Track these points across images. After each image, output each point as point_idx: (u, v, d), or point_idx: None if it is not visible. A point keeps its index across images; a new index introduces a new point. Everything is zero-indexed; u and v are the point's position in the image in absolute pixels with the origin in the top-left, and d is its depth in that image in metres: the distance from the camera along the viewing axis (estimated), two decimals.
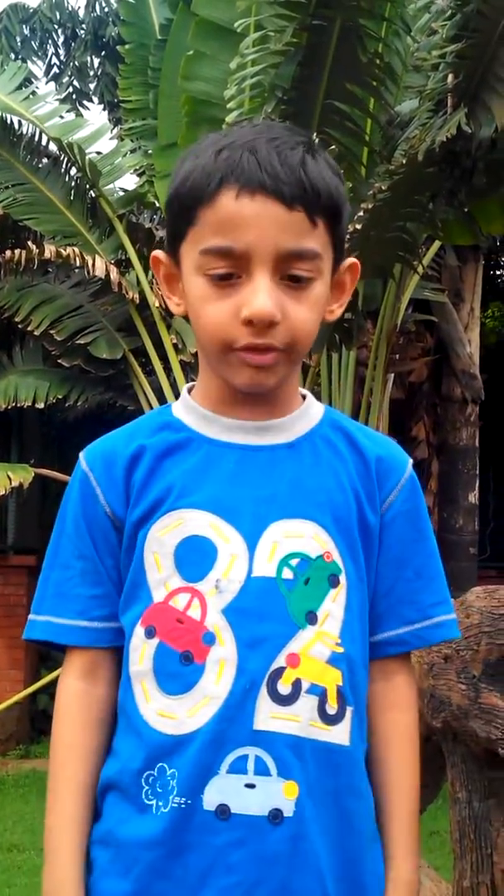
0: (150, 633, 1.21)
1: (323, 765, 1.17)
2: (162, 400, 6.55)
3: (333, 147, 4.63)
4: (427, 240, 6.03)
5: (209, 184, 1.19)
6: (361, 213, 4.68)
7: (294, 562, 1.20)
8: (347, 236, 1.32)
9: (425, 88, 4.82)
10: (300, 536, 1.22)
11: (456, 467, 7.65)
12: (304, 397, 1.34)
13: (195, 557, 1.21)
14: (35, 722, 7.82)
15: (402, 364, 7.02)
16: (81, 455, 1.32)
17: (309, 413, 1.31)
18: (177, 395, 5.18)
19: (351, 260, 1.32)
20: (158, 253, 1.31)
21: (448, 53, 4.46)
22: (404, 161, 4.73)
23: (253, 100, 4.86)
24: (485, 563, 8.40)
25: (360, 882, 1.20)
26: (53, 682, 7.35)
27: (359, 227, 4.66)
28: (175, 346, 6.84)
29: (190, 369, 6.82)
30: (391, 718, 1.29)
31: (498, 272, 9.30)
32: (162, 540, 1.23)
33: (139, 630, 1.22)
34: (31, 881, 4.37)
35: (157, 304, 6.87)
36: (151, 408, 6.68)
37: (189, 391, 1.34)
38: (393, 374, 6.77)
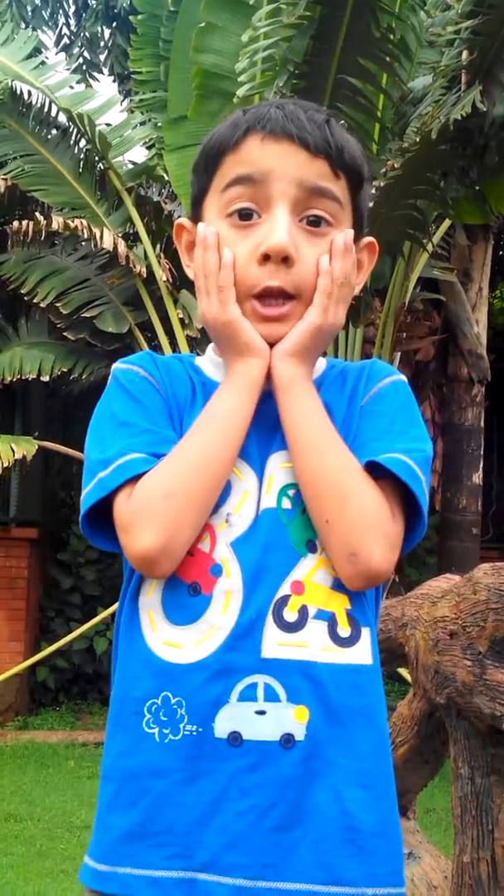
0: None
1: (346, 686, 1.18)
2: None
3: (343, 122, 4.61)
4: (437, 218, 6.00)
5: (235, 133, 1.23)
6: (373, 191, 4.66)
7: (291, 492, 1.22)
8: None
9: (439, 65, 4.79)
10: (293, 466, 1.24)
11: (461, 447, 7.64)
12: None
13: None
14: (34, 694, 7.87)
15: (409, 343, 7.00)
16: (118, 363, 1.29)
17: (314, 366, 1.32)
18: None
19: (369, 238, 1.33)
20: (183, 220, 1.33)
21: (463, 29, 4.43)
22: (417, 138, 4.71)
23: (264, 73, 4.82)
24: (487, 543, 8.41)
25: (385, 792, 1.20)
26: (53, 655, 7.38)
27: (370, 204, 4.64)
28: (181, 320, 6.83)
29: (196, 344, 6.81)
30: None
31: None
32: None
33: None
34: (28, 850, 4.41)
35: (164, 279, 6.84)
36: None
37: (212, 345, 1.35)
38: (400, 353, 6.75)
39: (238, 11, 5.40)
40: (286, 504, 1.22)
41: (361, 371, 1.32)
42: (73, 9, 13.39)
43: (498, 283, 8.54)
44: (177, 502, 1.17)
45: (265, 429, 1.24)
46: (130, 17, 7.99)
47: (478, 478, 7.69)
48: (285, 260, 1.20)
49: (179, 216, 7.34)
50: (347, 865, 1.15)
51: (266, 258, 1.20)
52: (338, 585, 1.20)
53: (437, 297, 7.48)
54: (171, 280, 6.93)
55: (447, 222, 6.42)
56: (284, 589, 1.18)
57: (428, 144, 4.61)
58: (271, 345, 1.25)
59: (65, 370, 7.28)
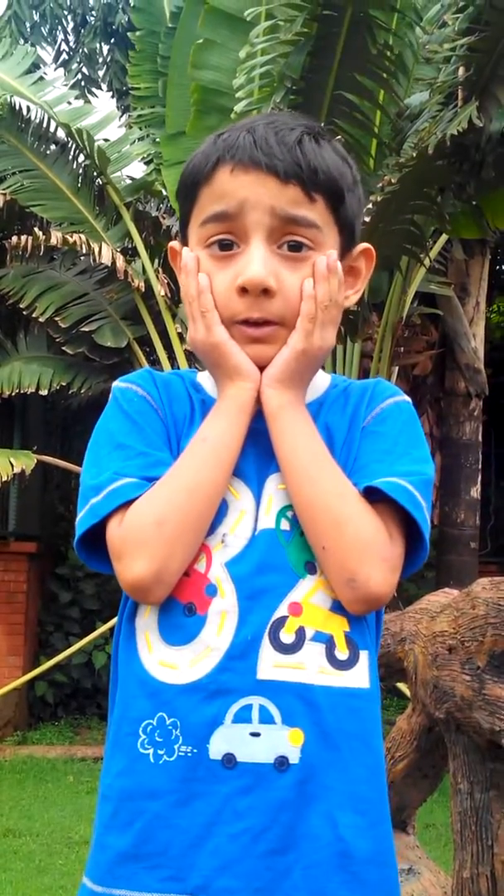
0: None
1: (342, 710, 1.18)
2: None
3: (340, 137, 4.63)
4: (434, 233, 6.02)
5: (207, 164, 1.22)
6: (370, 206, 4.68)
7: (290, 513, 1.22)
8: None
9: (436, 81, 4.81)
10: None
11: (458, 461, 7.65)
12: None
13: None
14: (33, 708, 7.85)
15: (407, 357, 7.02)
16: (118, 382, 1.29)
17: (315, 385, 1.31)
18: None
19: (364, 245, 1.32)
20: (174, 243, 1.33)
21: (459, 46, 4.46)
22: (414, 154, 4.72)
23: (262, 89, 4.85)
24: (485, 558, 8.41)
25: (380, 818, 1.20)
26: (52, 670, 7.35)
27: (367, 219, 4.66)
28: (180, 335, 6.84)
29: (194, 359, 6.82)
30: None
31: None
32: None
33: None
34: (27, 866, 4.39)
35: (162, 293, 6.86)
36: None
37: None
38: (397, 367, 6.77)
39: (236, 28, 5.43)
40: (285, 525, 1.21)
41: (364, 390, 1.31)
42: (71, 25, 13.45)
43: (495, 298, 8.56)
44: (169, 529, 1.16)
45: (263, 448, 1.24)
46: (129, 34, 8.04)
47: (476, 492, 7.69)
48: (265, 292, 1.19)
49: (177, 231, 7.36)
50: (340, 892, 1.14)
51: (245, 290, 1.19)
52: (337, 607, 1.20)
53: (434, 311, 7.50)
54: (169, 295, 6.94)
55: (444, 237, 6.45)
56: (282, 610, 1.18)
57: (425, 160, 4.63)
58: (260, 368, 1.24)
59: (63, 384, 7.29)
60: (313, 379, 1.31)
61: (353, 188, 1.27)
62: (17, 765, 6.43)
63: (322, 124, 1.33)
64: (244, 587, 1.18)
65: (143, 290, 6.91)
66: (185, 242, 1.29)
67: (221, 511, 1.21)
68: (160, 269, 7.16)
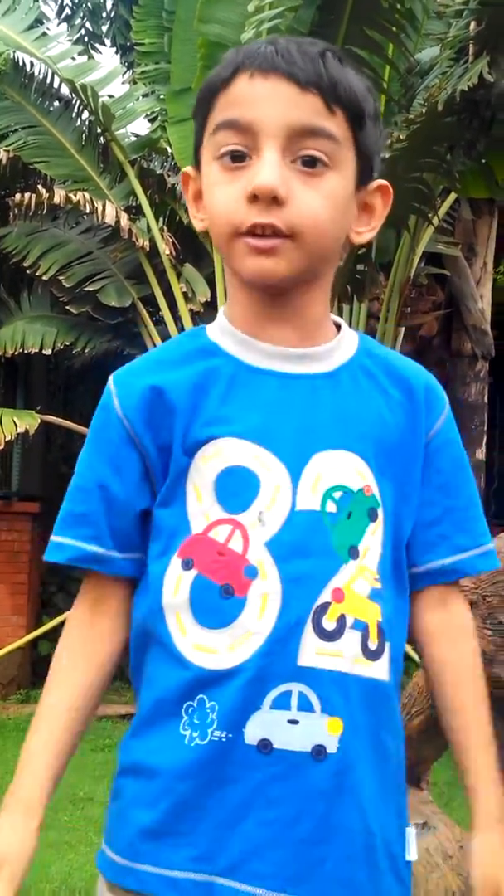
0: (187, 565, 1.18)
1: (365, 701, 1.16)
2: None
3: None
4: (442, 192, 5.95)
5: (226, 72, 1.18)
6: (387, 141, 4.61)
7: (337, 495, 1.17)
8: None
9: (446, 36, 4.74)
10: (343, 468, 1.19)
11: (464, 423, 7.61)
12: (338, 327, 1.30)
13: (237, 488, 1.17)
14: (36, 667, 7.87)
15: (414, 318, 6.98)
16: (111, 380, 1.28)
17: (345, 342, 1.28)
18: None
19: (379, 181, 1.27)
20: (188, 168, 1.29)
21: (471, 0, 4.38)
22: (423, 110, 4.66)
23: None
24: (491, 519, 8.39)
25: (397, 822, 1.19)
26: (55, 629, 7.37)
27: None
28: (185, 294, 6.79)
29: (199, 318, 6.77)
30: (460, 649, 1.28)
31: None
32: (202, 470, 1.19)
33: (176, 561, 1.19)
34: None
35: (167, 252, 6.80)
36: None
37: (225, 313, 1.29)
38: (404, 328, 6.72)
39: None
40: (330, 507, 1.17)
41: (416, 381, 1.29)
42: None
43: (503, 259, 8.49)
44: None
45: (307, 421, 1.19)
46: None
47: (481, 454, 7.67)
48: (275, 200, 1.13)
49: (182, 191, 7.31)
50: (372, 887, 1.13)
51: (255, 198, 1.14)
52: (375, 595, 1.18)
53: (441, 272, 7.44)
54: (174, 254, 6.88)
55: (452, 196, 6.38)
56: (325, 596, 1.14)
57: (434, 116, 4.56)
58: (263, 282, 1.19)
59: (67, 344, 7.23)
60: (341, 334, 1.28)
61: (374, 117, 1.22)
62: (21, 722, 6.46)
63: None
64: (287, 570, 1.14)
65: (148, 249, 6.84)
66: (197, 165, 1.24)
67: (253, 486, 1.16)
68: (165, 228, 7.10)
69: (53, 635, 8.04)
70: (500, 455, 9.33)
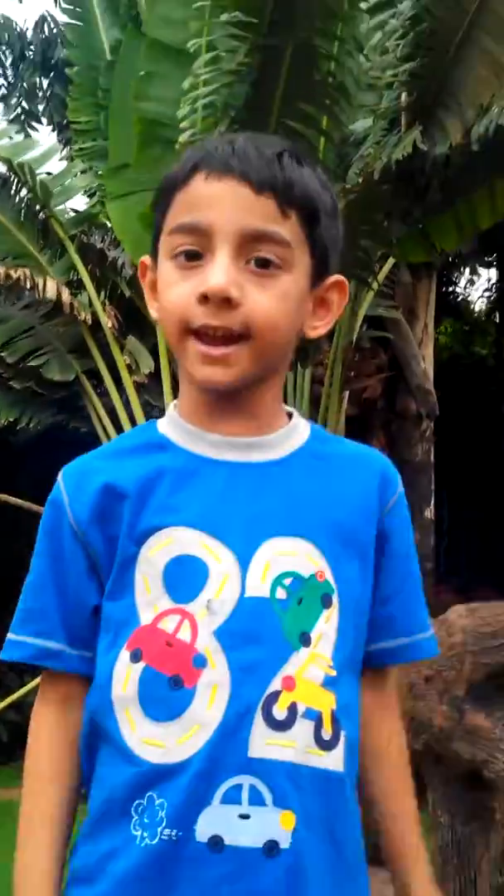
0: (135, 657, 1.16)
1: (318, 792, 1.13)
2: (115, 421, 6.49)
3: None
4: (381, 256, 6.04)
5: (183, 170, 1.20)
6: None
7: (287, 581, 1.16)
8: None
9: (379, 107, 4.84)
10: (293, 555, 1.18)
11: (411, 483, 7.65)
12: (290, 415, 1.30)
13: (185, 577, 1.16)
14: None
15: (357, 381, 7.02)
16: (60, 475, 1.27)
17: (297, 430, 1.28)
18: (130, 416, 5.10)
19: (336, 277, 1.28)
20: (145, 258, 1.29)
21: (401, 72, 4.49)
22: (360, 180, 4.74)
23: (206, 119, 4.83)
24: (441, 577, 8.42)
25: None
26: (6, 709, 7.12)
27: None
28: (129, 366, 6.77)
29: (143, 390, 6.76)
30: (386, 730, 1.27)
31: (451, 289, 9.36)
32: (151, 560, 1.18)
33: (125, 654, 1.17)
34: None
35: (109, 325, 6.80)
36: (105, 429, 6.62)
37: (176, 406, 1.30)
38: (348, 392, 6.76)
39: (178, 60, 5.40)
40: (280, 594, 1.15)
41: (370, 461, 1.30)
42: (10, 59, 13.41)
43: (442, 319, 8.63)
44: None
45: (256, 509, 1.18)
46: (66, 70, 8.01)
47: (430, 513, 7.71)
48: (227, 301, 1.14)
49: (123, 263, 7.31)
50: None
51: (205, 299, 1.15)
52: (329, 682, 1.15)
53: (383, 335, 7.53)
54: (116, 327, 6.89)
55: (391, 260, 6.47)
56: (276, 684, 1.12)
57: (370, 185, 4.64)
58: (214, 388, 1.19)
59: (11, 420, 7.19)
60: (293, 423, 1.28)
61: (331, 214, 1.23)
62: None
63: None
64: (237, 658, 1.12)
65: (90, 322, 6.84)
66: (154, 255, 1.25)
67: (201, 573, 1.15)
68: (107, 301, 7.11)
69: (5, 716, 7.85)
70: (447, 513, 9.38)
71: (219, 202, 1.16)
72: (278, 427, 1.26)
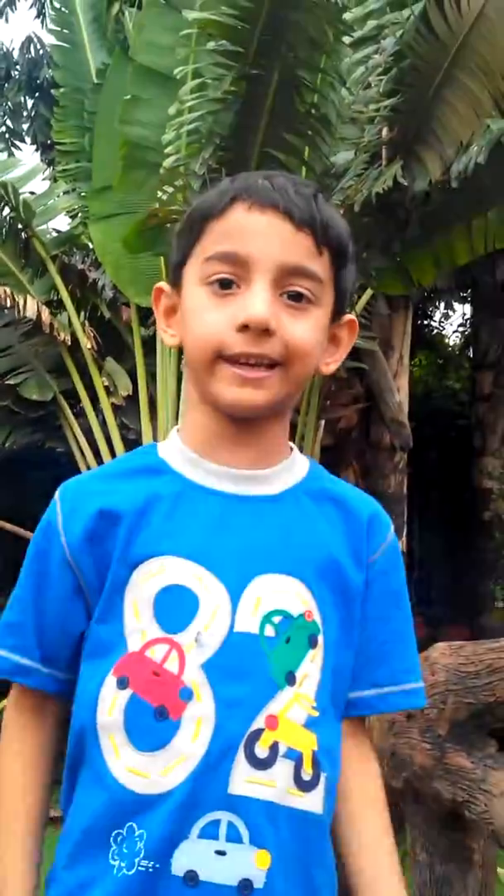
0: (122, 684, 1.16)
1: (295, 833, 1.12)
2: (92, 442, 6.47)
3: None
4: (359, 287, 6.08)
5: (222, 200, 1.21)
6: None
7: (276, 619, 1.16)
8: None
9: (361, 140, 4.89)
10: (283, 593, 1.18)
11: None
12: (290, 449, 1.31)
13: (176, 607, 1.16)
14: None
15: (333, 411, 7.05)
16: (57, 493, 1.27)
17: (295, 466, 1.29)
18: (106, 438, 5.07)
19: (349, 316, 1.31)
20: (162, 284, 1.30)
21: (383, 107, 4.54)
22: (340, 211, 4.77)
23: (191, 145, 4.87)
24: (412, 609, 8.43)
25: None
26: None
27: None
28: (107, 388, 6.77)
29: (120, 412, 6.75)
30: (363, 779, 1.26)
31: (426, 322, 9.43)
32: (142, 586, 1.18)
33: (111, 679, 1.17)
34: None
35: (88, 346, 6.80)
36: (81, 450, 6.60)
37: (179, 431, 1.31)
38: (323, 421, 6.79)
39: (164, 85, 5.45)
40: (269, 631, 1.16)
41: (360, 508, 1.29)
42: None
43: (417, 352, 8.68)
44: None
45: (250, 544, 1.19)
46: (52, 91, 8.03)
47: (402, 545, 7.72)
48: (266, 331, 1.16)
49: (103, 284, 7.30)
50: None
51: (244, 328, 1.16)
52: (311, 723, 1.15)
53: (360, 366, 7.56)
54: (95, 348, 6.89)
55: (369, 292, 6.52)
56: (259, 722, 1.12)
57: (351, 217, 4.68)
58: (242, 411, 1.20)
59: None
60: (292, 458, 1.29)
61: (352, 259, 1.27)
62: None
63: None
64: (222, 693, 1.12)
65: (69, 342, 6.83)
66: (174, 282, 1.26)
67: (192, 605, 1.15)
68: (86, 322, 7.11)
69: None
70: (420, 545, 9.40)
71: (260, 234, 1.18)
72: (278, 461, 1.27)
